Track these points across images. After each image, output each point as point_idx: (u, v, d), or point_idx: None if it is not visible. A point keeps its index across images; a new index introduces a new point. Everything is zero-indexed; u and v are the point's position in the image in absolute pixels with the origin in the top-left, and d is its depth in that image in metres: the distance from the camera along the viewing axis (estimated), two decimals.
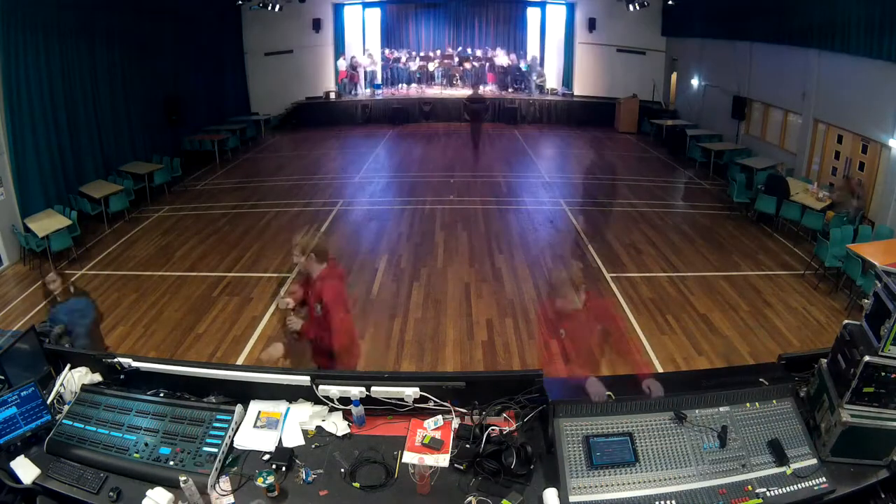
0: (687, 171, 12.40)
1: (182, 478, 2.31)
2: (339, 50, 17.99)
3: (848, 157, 9.11)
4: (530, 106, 17.42)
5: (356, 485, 2.44)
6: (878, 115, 8.07)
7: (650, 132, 15.43)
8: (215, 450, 2.54)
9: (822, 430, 2.44)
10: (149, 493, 2.35)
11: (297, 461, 2.54)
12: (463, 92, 18.30)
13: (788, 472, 2.33)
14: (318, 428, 2.75)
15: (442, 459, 2.57)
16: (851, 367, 2.33)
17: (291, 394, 2.87)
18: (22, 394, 2.68)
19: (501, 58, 18.92)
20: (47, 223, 7.89)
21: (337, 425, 2.74)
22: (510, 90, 18.31)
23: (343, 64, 17.94)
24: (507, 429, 2.65)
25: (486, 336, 5.92)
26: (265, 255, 8.00)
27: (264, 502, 2.35)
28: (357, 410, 2.73)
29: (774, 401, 2.58)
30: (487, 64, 19.02)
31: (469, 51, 19.48)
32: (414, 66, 18.95)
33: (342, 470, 2.50)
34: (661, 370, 5.27)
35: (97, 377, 3.04)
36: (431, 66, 18.93)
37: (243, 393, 2.87)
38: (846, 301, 6.52)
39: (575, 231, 8.81)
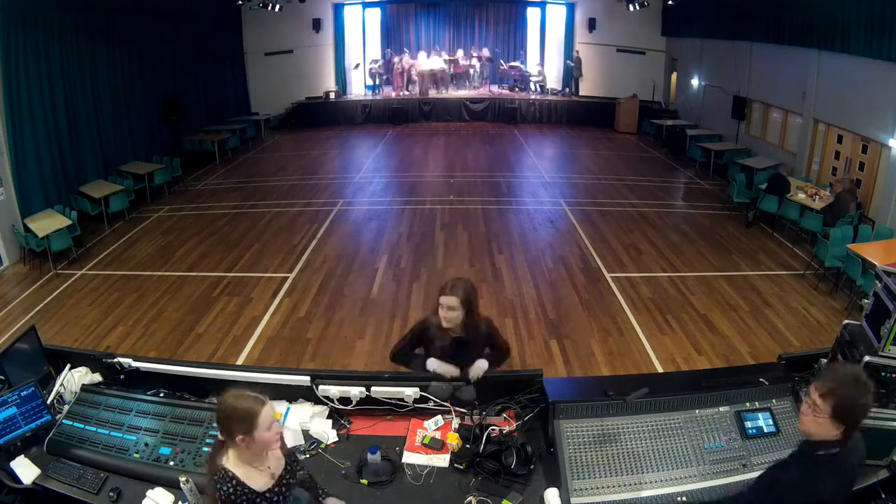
0: (687, 171, 12.39)
1: (182, 478, 2.30)
2: (340, 50, 17.99)
3: (848, 157, 9.10)
4: (530, 106, 17.41)
5: (363, 481, 2.44)
6: (878, 115, 8.06)
7: (650, 132, 15.43)
8: None
9: None
10: (149, 493, 2.35)
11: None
12: (463, 92, 18.32)
13: None
14: (305, 433, 2.73)
15: (442, 459, 2.57)
16: None
17: (291, 394, 2.87)
18: (22, 394, 2.68)
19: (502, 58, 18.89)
20: (47, 223, 7.88)
21: (327, 434, 2.73)
22: (515, 90, 18.31)
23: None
24: (507, 429, 2.65)
25: None
26: (265, 255, 8.00)
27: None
28: (373, 458, 2.51)
29: (774, 400, 2.58)
30: (488, 64, 18.99)
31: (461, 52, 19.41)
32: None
33: (347, 464, 2.52)
34: (661, 370, 5.27)
35: (97, 377, 3.05)
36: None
37: None
38: (846, 301, 6.51)
39: (575, 231, 8.80)
